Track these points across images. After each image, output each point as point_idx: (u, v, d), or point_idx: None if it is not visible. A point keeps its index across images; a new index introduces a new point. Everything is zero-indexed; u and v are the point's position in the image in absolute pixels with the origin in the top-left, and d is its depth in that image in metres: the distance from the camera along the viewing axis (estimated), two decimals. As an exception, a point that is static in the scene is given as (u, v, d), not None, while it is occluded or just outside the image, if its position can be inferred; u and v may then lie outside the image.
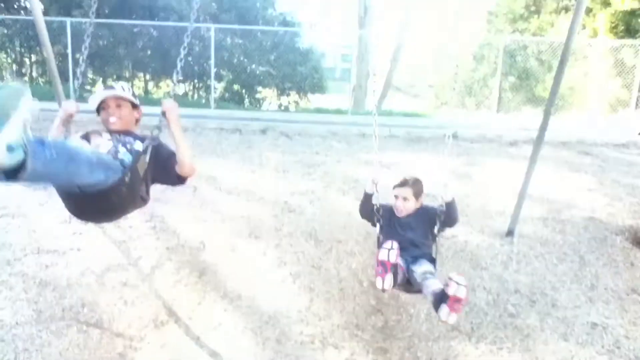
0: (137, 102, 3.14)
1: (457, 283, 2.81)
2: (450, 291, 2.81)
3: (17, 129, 2.00)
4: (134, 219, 5.26)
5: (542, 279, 4.37)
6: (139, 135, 2.98)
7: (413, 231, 3.55)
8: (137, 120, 3.14)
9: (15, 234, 4.86)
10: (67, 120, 3.11)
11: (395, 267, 2.95)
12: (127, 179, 2.53)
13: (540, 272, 4.48)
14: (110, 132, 2.93)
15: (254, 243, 4.84)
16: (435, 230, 3.54)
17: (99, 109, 3.04)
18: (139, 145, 2.84)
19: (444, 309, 2.82)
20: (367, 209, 3.68)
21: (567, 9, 16.05)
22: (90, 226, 5.04)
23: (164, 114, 2.92)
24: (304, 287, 4.17)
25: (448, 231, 5.10)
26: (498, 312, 3.87)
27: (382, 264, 2.93)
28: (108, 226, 5.07)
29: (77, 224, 5.09)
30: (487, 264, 4.58)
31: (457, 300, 2.80)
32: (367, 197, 3.71)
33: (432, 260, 3.40)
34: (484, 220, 5.53)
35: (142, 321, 3.66)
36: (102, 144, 2.80)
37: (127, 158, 2.75)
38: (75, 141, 2.70)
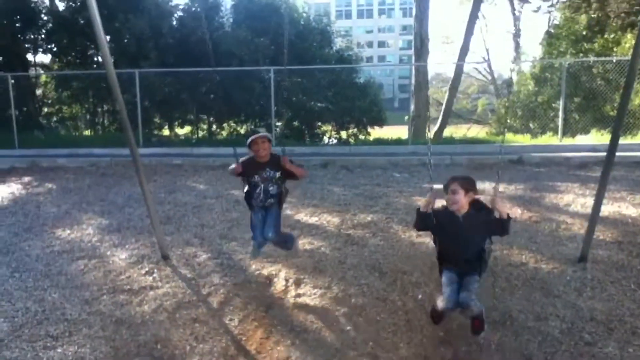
0: (271, 138, 4.76)
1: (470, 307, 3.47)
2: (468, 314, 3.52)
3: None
4: (203, 256, 5.44)
5: (620, 305, 4.15)
6: (273, 163, 4.58)
7: (471, 225, 3.83)
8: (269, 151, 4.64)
9: (92, 275, 5.11)
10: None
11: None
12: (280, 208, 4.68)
13: (617, 298, 4.26)
14: (257, 162, 4.57)
15: (319, 277, 4.87)
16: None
17: (250, 145, 4.54)
18: (277, 174, 4.57)
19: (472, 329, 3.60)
20: (423, 221, 4.00)
21: (633, 25, 15.51)
22: (162, 265, 5.24)
23: (283, 165, 4.53)
24: (370, 320, 4.14)
25: (517, 259, 4.98)
26: (573, 341, 3.69)
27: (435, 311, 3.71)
28: (178, 264, 5.26)
29: (149, 263, 5.31)
30: (559, 291, 4.40)
31: (474, 317, 3.53)
32: (421, 214, 3.98)
33: (481, 267, 3.85)
34: (554, 246, 5.34)
35: (212, 356, 3.73)
36: (258, 185, 4.56)
37: (274, 190, 4.57)
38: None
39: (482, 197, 4.22)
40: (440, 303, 3.63)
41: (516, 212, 6.10)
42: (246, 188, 4.71)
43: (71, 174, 9.74)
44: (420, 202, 4.10)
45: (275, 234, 4.51)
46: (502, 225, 3.86)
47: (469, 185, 3.92)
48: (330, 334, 3.98)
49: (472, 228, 3.83)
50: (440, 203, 4.05)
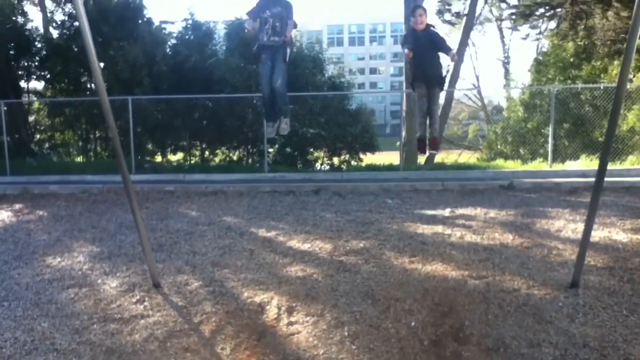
0: None
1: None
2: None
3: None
4: (194, 283, 5.40)
5: (613, 331, 4.16)
6: (281, 4, 5.65)
7: (427, 48, 6.03)
8: None
9: (82, 303, 5.07)
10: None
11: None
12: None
13: (609, 324, 4.27)
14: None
15: (311, 304, 4.85)
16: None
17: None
18: (282, 12, 5.66)
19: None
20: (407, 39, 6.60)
21: (620, 53, 15.79)
22: (153, 293, 5.21)
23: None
24: (364, 347, 4.12)
25: (509, 285, 4.99)
26: (567, 369, 3.70)
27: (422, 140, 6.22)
28: (170, 292, 5.23)
29: (140, 291, 5.27)
30: (552, 317, 4.41)
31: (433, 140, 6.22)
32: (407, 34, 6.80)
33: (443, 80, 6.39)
34: (546, 272, 5.36)
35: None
36: (266, 22, 5.55)
37: (279, 26, 5.60)
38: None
39: None
40: (418, 117, 6.23)
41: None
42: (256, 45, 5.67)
43: (63, 201, 9.70)
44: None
45: (282, 85, 5.40)
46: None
47: (426, 12, 6.12)
48: (323, 363, 3.95)
49: (428, 41, 6.03)
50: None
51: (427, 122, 6.36)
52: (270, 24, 5.49)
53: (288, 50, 5.75)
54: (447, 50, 6.03)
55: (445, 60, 6.40)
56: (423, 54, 6.04)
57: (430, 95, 6.24)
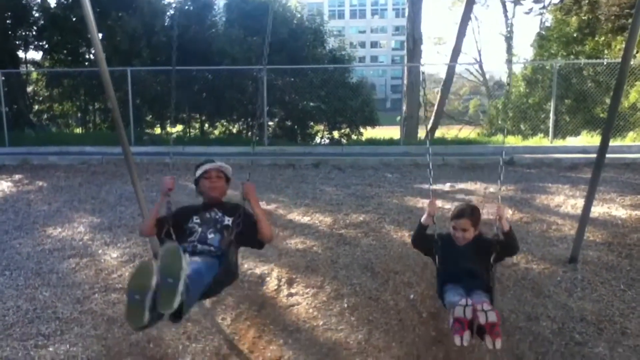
0: (230, 177, 3.70)
1: (483, 310, 2.88)
2: (482, 321, 2.87)
3: (184, 281, 2.57)
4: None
5: (610, 306, 4.19)
6: (227, 207, 3.51)
7: (471, 260, 3.53)
8: (225, 192, 3.67)
9: (83, 273, 5.10)
10: (167, 194, 3.65)
11: (471, 323, 2.96)
12: (223, 268, 3.12)
13: (607, 299, 4.31)
14: (206, 202, 3.55)
15: (311, 276, 4.88)
16: (492, 259, 3.54)
17: (198, 180, 3.60)
18: (227, 220, 3.39)
19: (488, 339, 2.89)
20: (422, 240, 3.81)
21: (623, 29, 15.63)
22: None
23: (245, 195, 3.44)
24: (363, 319, 4.16)
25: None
26: (564, 341, 3.73)
27: (459, 321, 2.95)
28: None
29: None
30: (550, 291, 4.44)
31: (492, 325, 2.87)
32: (422, 228, 3.79)
33: (488, 290, 3.42)
34: (545, 247, 5.38)
35: (205, 355, 3.73)
36: (194, 230, 3.33)
37: (215, 240, 3.25)
38: (189, 264, 2.84)
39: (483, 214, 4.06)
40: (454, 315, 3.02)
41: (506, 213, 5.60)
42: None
43: (62, 172, 9.69)
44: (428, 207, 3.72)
45: (195, 273, 2.81)
46: (508, 244, 3.52)
47: (477, 220, 3.67)
48: (323, 334, 3.99)
49: (473, 262, 3.52)
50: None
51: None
52: (198, 235, 3.29)
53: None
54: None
55: None
56: (460, 264, 3.55)
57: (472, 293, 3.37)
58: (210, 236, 3.27)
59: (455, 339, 2.92)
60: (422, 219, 3.76)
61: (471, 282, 3.42)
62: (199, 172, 3.58)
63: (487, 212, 5.38)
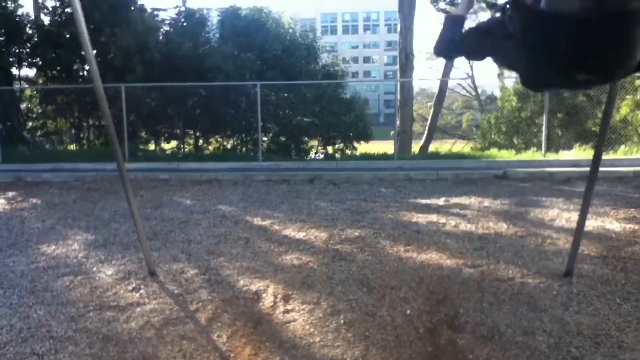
0: None
1: None
2: None
3: None
4: (190, 271, 5.40)
5: (606, 319, 4.20)
6: None
7: None
8: None
9: (78, 291, 5.05)
10: None
11: None
12: None
13: (603, 312, 4.31)
14: None
15: (307, 292, 4.87)
16: None
17: None
18: None
19: None
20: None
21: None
22: (149, 281, 5.21)
23: None
24: (359, 335, 4.14)
25: (503, 274, 5.02)
26: (561, 356, 3.73)
27: None
28: (165, 280, 5.23)
29: (136, 279, 5.27)
30: (546, 306, 4.44)
31: None
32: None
33: None
34: (540, 261, 5.39)
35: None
36: None
37: None
38: None
39: None
40: None
41: None
42: None
43: (56, 189, 9.65)
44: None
45: None
46: None
47: None
48: (320, 350, 3.97)
49: None
50: None
51: None
52: None
53: None
54: None
55: None
56: None
57: None
58: None
59: None
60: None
61: None
62: None
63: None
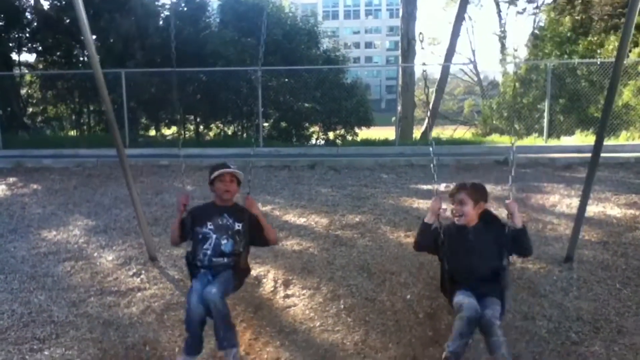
0: (241, 180, 3.89)
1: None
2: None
3: None
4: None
5: (606, 305, 4.21)
6: (235, 210, 3.82)
7: (483, 239, 3.47)
8: (235, 195, 3.90)
9: (79, 277, 5.07)
10: (182, 211, 3.80)
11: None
12: (237, 275, 3.70)
13: (603, 298, 4.32)
14: (217, 203, 3.84)
15: (308, 277, 4.88)
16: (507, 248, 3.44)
17: (213, 181, 3.79)
18: (237, 226, 3.74)
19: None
20: (426, 237, 3.64)
21: (616, 28, 15.71)
22: (149, 266, 5.22)
23: (248, 208, 3.76)
24: (359, 320, 4.16)
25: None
26: (560, 340, 3.74)
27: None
28: (166, 265, 5.24)
29: (136, 265, 5.28)
30: (546, 291, 4.45)
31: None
32: (426, 226, 3.64)
33: (501, 296, 3.34)
34: (541, 246, 5.39)
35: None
36: (209, 236, 3.68)
37: (228, 246, 3.68)
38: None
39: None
40: (458, 320, 3.10)
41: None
42: (189, 247, 3.72)
43: (57, 175, 9.64)
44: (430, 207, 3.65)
45: (220, 294, 3.32)
46: (520, 241, 3.42)
47: (479, 195, 3.57)
48: (320, 335, 3.98)
49: (484, 243, 3.44)
50: (447, 213, 3.82)
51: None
52: (212, 242, 3.66)
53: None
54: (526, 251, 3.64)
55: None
56: (468, 257, 3.49)
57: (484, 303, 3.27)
58: (224, 242, 3.68)
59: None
60: (426, 218, 3.65)
61: (483, 285, 3.32)
62: (214, 175, 3.77)
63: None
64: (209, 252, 3.62)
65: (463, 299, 3.21)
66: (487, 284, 3.36)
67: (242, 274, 3.79)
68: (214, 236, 3.66)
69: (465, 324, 3.07)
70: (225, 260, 3.64)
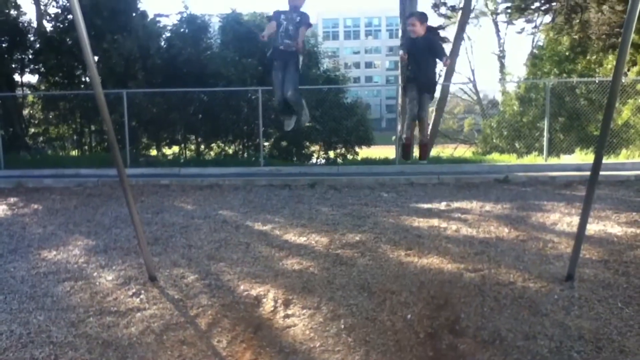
0: None
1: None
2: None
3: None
4: (190, 277, 5.40)
5: (607, 324, 4.18)
6: (301, 14, 5.71)
7: (425, 46, 5.93)
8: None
9: (78, 297, 5.05)
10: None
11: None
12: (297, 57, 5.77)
13: (604, 316, 4.29)
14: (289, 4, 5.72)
15: (308, 297, 4.86)
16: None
17: None
18: (297, 18, 5.67)
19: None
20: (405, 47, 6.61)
21: (614, 47, 15.83)
22: (149, 286, 5.20)
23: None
24: (360, 340, 4.13)
25: (505, 277, 5.00)
26: (562, 360, 3.72)
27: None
28: (166, 285, 5.22)
29: (136, 285, 5.26)
30: (547, 310, 4.43)
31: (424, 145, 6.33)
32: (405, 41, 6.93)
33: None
34: (541, 265, 5.37)
35: (205, 357, 3.70)
36: (281, 23, 5.64)
37: (293, 31, 5.58)
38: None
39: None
40: (406, 120, 6.24)
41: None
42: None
43: (57, 195, 9.66)
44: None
45: (294, 92, 5.57)
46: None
47: (422, 18, 5.94)
48: (320, 355, 3.96)
49: (425, 47, 5.91)
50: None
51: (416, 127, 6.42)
52: (284, 26, 5.59)
53: (301, 58, 5.79)
54: (442, 56, 6.12)
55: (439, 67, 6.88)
56: (418, 60, 6.05)
57: (421, 101, 6.13)
58: (290, 28, 5.55)
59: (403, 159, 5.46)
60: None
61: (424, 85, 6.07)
62: None
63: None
64: (282, 33, 5.62)
65: (410, 102, 6.10)
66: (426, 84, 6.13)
67: (301, 51, 5.65)
68: (285, 23, 5.59)
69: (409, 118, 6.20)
70: (290, 42, 5.59)
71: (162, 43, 17.03)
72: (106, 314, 4.67)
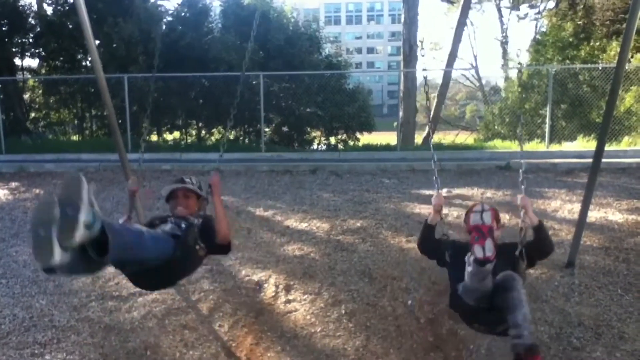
0: (202, 193, 3.51)
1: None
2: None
3: (87, 211, 2.30)
4: (192, 262, 5.41)
5: (607, 310, 4.20)
6: (195, 217, 3.33)
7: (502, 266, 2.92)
8: (194, 208, 3.47)
9: (80, 281, 5.07)
10: (133, 196, 3.79)
11: (492, 231, 2.67)
12: (178, 252, 2.90)
13: (604, 303, 4.31)
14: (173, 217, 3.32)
15: (309, 282, 4.88)
16: (522, 267, 3.13)
17: (168, 198, 3.53)
18: (196, 220, 3.27)
19: None
20: (430, 244, 3.44)
21: (618, 33, 15.72)
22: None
23: (210, 186, 3.39)
24: (360, 326, 4.15)
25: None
26: (562, 346, 3.73)
27: (477, 229, 2.62)
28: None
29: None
30: (547, 296, 4.44)
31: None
32: (429, 229, 3.40)
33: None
34: (542, 251, 5.37)
35: (207, 356, 3.73)
36: (165, 224, 3.20)
37: (184, 228, 3.15)
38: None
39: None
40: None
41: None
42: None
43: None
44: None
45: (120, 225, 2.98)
46: (540, 239, 3.28)
47: (499, 218, 3.32)
48: (321, 340, 3.98)
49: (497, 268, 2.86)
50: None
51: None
52: (171, 222, 3.23)
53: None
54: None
55: None
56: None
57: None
58: (183, 224, 3.17)
59: (476, 251, 2.58)
60: (429, 219, 3.45)
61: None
62: (165, 194, 3.56)
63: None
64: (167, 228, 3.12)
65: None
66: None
67: (179, 263, 3.01)
68: (172, 220, 3.23)
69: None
70: (178, 232, 3.07)
71: (164, 27, 16.90)
72: (108, 299, 4.70)
